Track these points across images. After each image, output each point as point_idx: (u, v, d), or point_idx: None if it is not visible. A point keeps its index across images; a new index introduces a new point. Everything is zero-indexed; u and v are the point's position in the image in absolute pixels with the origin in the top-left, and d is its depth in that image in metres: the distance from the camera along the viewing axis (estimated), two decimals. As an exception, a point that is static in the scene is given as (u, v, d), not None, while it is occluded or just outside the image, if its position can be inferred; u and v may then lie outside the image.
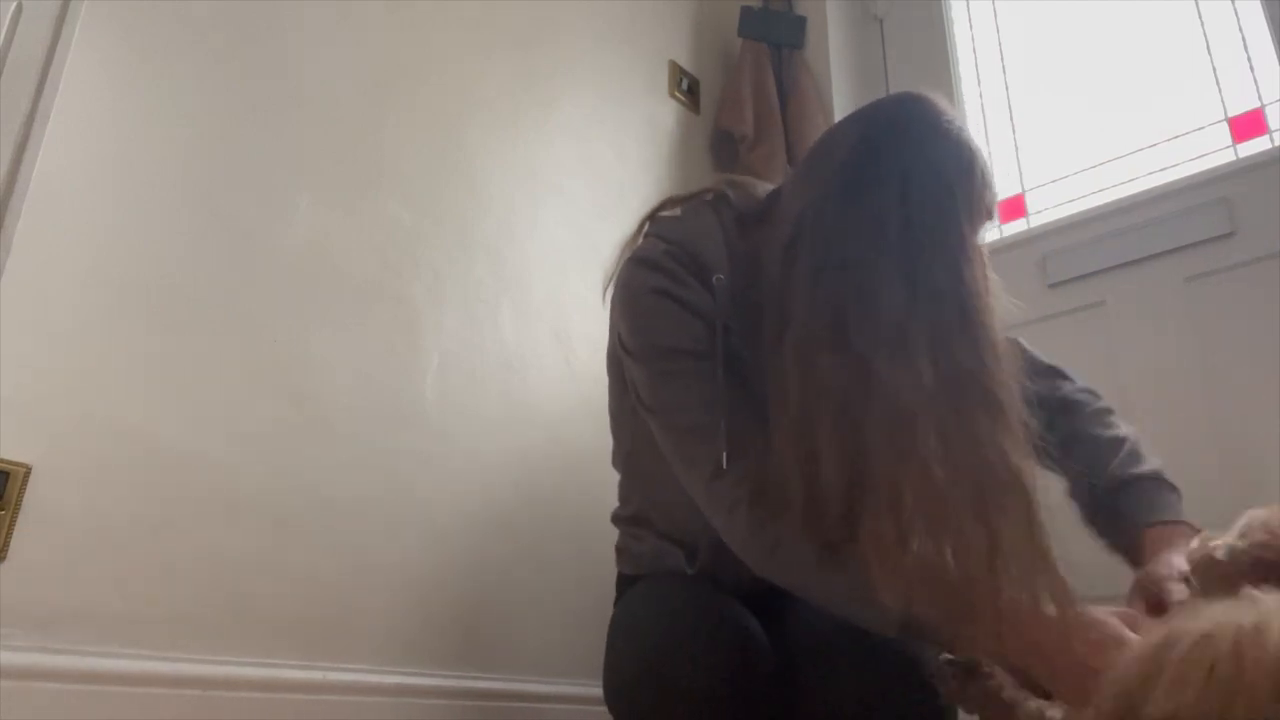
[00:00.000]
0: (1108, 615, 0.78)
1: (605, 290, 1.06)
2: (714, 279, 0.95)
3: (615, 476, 1.19)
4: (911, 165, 0.88)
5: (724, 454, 0.90)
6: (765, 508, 0.88)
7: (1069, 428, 1.08)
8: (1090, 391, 1.14)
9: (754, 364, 0.94)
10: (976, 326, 0.83)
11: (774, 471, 0.86)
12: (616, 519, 1.17)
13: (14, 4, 1.04)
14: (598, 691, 1.46)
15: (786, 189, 1.00)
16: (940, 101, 0.94)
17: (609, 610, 1.52)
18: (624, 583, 1.14)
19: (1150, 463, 1.04)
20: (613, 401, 1.13)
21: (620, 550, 1.16)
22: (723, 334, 0.94)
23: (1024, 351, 1.14)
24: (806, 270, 0.88)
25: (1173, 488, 1.03)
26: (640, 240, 1.03)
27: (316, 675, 1.14)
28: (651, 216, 1.05)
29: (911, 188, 0.87)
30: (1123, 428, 1.08)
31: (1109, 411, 1.11)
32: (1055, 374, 1.16)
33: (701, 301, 0.95)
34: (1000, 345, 0.84)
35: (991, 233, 2.00)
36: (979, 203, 0.90)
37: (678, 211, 1.03)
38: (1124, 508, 1.00)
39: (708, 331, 0.94)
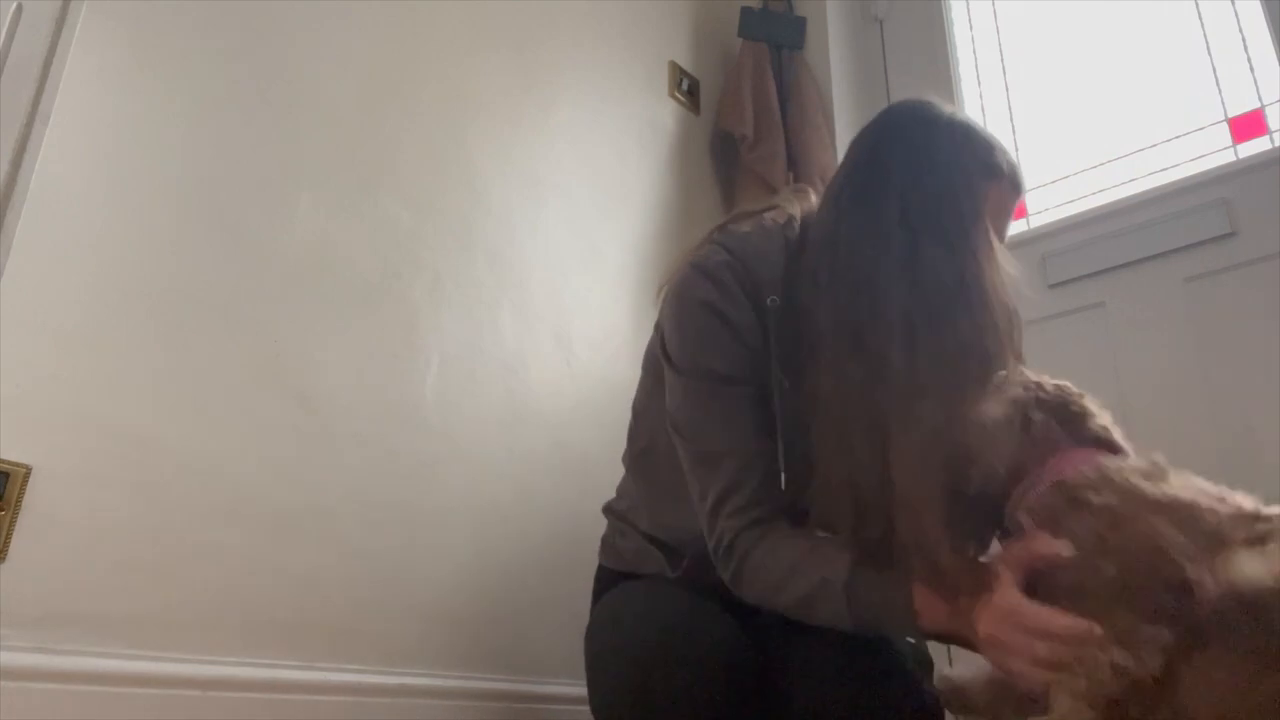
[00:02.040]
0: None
1: (660, 290, 1.06)
2: (768, 300, 0.96)
3: (617, 477, 1.19)
4: (909, 162, 0.92)
5: (724, 486, 0.93)
6: (759, 528, 0.92)
7: None
8: None
9: (792, 389, 0.95)
10: (975, 301, 0.86)
11: (820, 489, 0.88)
12: (608, 510, 1.18)
13: (14, 5, 1.04)
14: (598, 692, 1.46)
15: (816, 213, 1.03)
16: (938, 100, 0.97)
17: (609, 611, 1.52)
18: (605, 577, 1.14)
19: None
20: (640, 396, 1.14)
21: (605, 543, 1.16)
22: (771, 359, 0.95)
23: None
24: (824, 284, 0.91)
25: None
26: (705, 247, 1.03)
27: (317, 676, 1.14)
28: (722, 227, 1.06)
29: (909, 182, 0.90)
30: None
31: None
32: None
33: (747, 322, 0.96)
34: (1003, 311, 0.87)
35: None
36: (980, 176, 0.92)
37: (747, 227, 1.03)
38: None
39: (748, 357, 0.95)
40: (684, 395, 0.98)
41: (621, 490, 1.18)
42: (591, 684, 0.97)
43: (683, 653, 0.87)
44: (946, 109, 0.97)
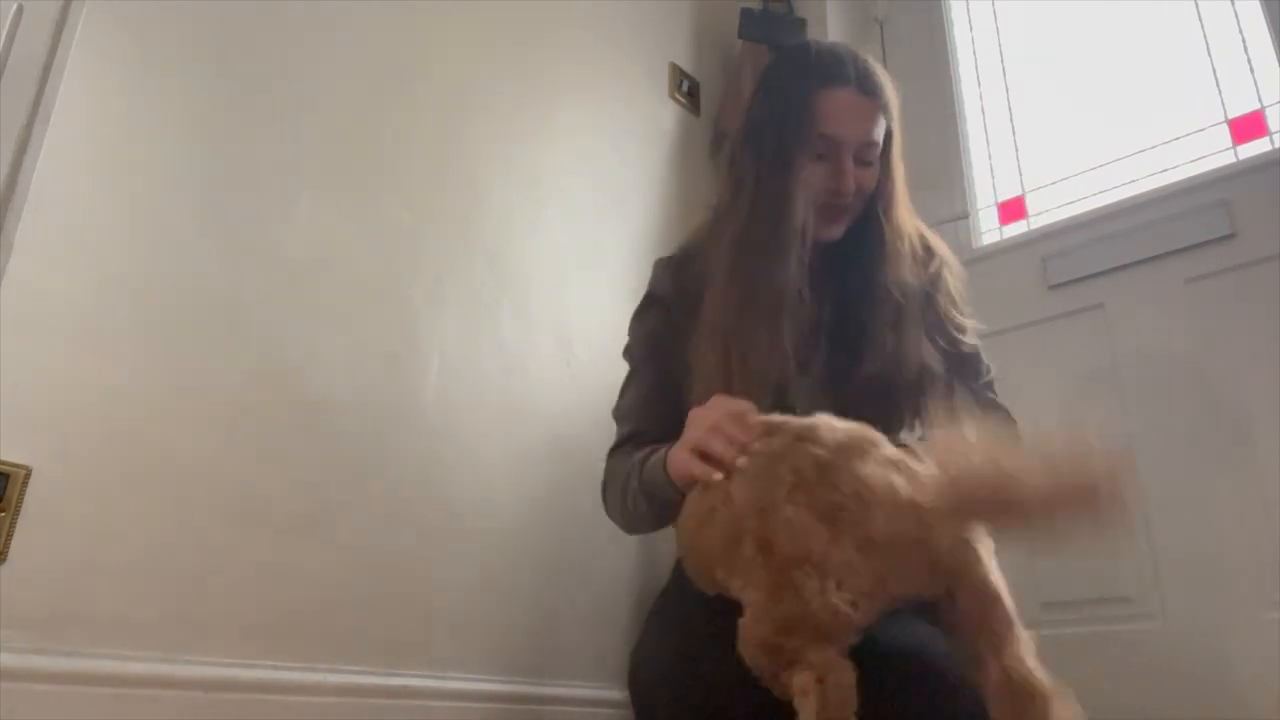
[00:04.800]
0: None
1: None
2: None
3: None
4: (752, 103, 1.18)
5: (621, 436, 1.16)
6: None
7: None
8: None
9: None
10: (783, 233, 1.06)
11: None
12: None
13: (14, 5, 1.04)
14: (600, 694, 1.47)
15: None
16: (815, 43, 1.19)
17: (610, 612, 1.53)
18: (678, 567, 1.16)
19: None
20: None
21: None
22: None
23: (973, 362, 1.18)
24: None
25: None
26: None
27: (318, 677, 1.13)
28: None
29: (749, 122, 1.16)
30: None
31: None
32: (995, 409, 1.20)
33: (664, 293, 1.18)
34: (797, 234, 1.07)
35: (991, 234, 2.00)
36: (810, 84, 1.10)
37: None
38: None
39: (668, 331, 1.16)
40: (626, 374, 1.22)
41: None
42: (629, 674, 1.03)
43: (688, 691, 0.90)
44: (812, 41, 1.20)
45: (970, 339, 1.16)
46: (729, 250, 1.08)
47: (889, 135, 1.14)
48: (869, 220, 1.14)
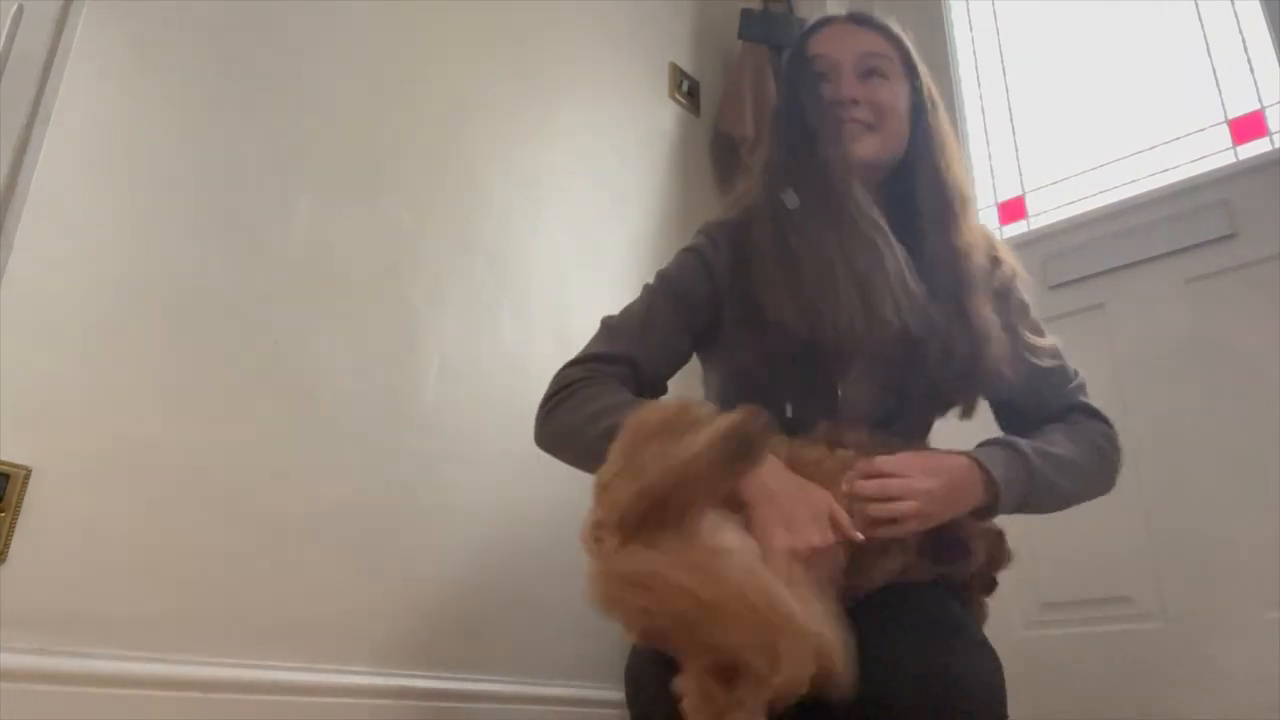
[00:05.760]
0: None
1: None
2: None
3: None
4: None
5: (597, 352, 1.06)
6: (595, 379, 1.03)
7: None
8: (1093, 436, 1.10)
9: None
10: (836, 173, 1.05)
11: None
12: None
13: (14, 5, 1.04)
14: (599, 694, 1.47)
15: None
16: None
17: (609, 612, 1.52)
18: None
19: (1036, 453, 1.02)
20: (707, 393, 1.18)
21: None
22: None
23: (1058, 375, 1.12)
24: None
25: (1015, 455, 1.00)
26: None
27: (317, 677, 1.13)
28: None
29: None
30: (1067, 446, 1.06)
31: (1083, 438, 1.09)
32: (1087, 413, 1.12)
33: (717, 263, 1.08)
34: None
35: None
36: (803, 42, 1.16)
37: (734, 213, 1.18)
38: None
39: (706, 287, 1.08)
40: (638, 296, 1.12)
41: None
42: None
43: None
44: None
45: (1048, 360, 1.10)
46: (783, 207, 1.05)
47: (921, 95, 1.12)
48: (914, 172, 1.11)
